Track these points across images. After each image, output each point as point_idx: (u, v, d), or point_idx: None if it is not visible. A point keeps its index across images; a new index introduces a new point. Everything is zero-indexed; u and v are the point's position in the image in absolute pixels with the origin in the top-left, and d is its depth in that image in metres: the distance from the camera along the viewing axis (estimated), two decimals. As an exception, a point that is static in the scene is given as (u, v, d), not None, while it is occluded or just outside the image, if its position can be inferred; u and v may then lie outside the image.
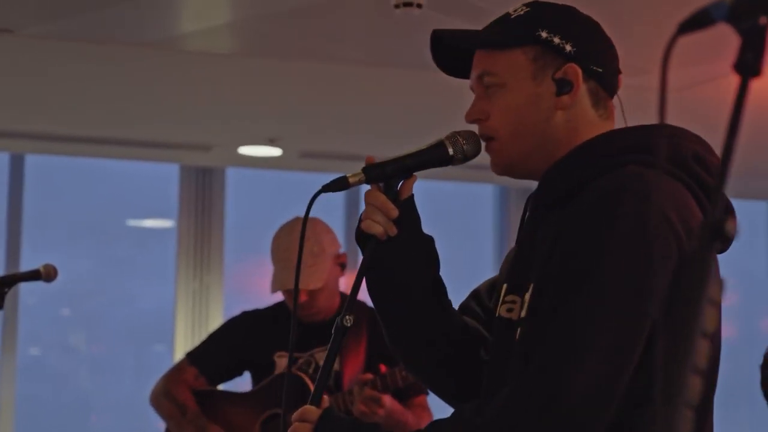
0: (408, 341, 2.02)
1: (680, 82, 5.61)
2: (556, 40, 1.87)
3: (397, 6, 4.33)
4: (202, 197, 7.74)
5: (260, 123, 6.62)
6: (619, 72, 1.92)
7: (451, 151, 1.96)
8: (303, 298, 3.56)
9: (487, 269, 8.50)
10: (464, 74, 1.99)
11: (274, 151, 7.14)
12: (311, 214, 1.95)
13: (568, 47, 1.86)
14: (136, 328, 7.96)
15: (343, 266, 3.68)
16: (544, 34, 1.87)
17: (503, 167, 1.92)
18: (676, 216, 1.70)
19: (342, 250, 3.74)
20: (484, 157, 1.97)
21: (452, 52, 1.97)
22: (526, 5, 1.93)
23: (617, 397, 1.67)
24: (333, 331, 1.89)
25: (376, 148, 6.79)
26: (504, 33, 1.90)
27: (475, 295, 2.10)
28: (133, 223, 8.25)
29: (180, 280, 7.72)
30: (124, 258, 8.04)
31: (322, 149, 7.21)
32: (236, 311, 4.01)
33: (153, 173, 7.90)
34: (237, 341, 3.79)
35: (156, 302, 8.01)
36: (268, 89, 5.90)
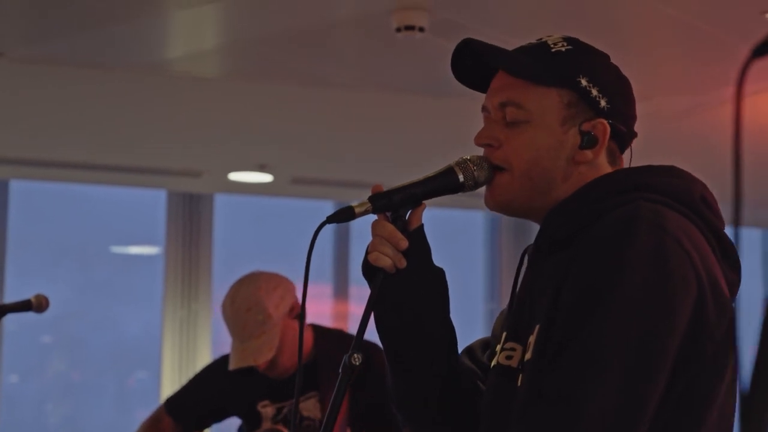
0: (412, 381, 1.93)
1: (680, 109, 5.53)
2: (594, 92, 1.81)
3: (398, 30, 4.25)
4: (190, 224, 7.72)
5: (251, 148, 6.56)
6: (636, 135, 1.89)
7: (461, 177, 1.88)
8: (262, 367, 3.46)
9: (478, 298, 8.38)
10: (473, 83, 1.93)
11: (265, 177, 7.08)
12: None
13: (603, 102, 1.81)
14: (120, 356, 7.93)
15: (299, 316, 3.51)
16: (584, 82, 1.81)
17: (502, 203, 1.86)
18: (691, 247, 1.65)
19: (299, 292, 3.56)
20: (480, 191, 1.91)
21: (473, 62, 1.90)
22: (567, 41, 1.86)
23: (640, 430, 1.60)
24: (341, 371, 1.79)
25: (370, 175, 6.70)
26: (545, 68, 1.82)
27: (468, 351, 2.04)
28: (119, 249, 8.22)
29: (167, 308, 7.70)
30: (109, 284, 8.01)
31: (314, 175, 7.13)
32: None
33: (140, 199, 7.85)
34: (215, 390, 3.66)
35: (142, 330, 7.99)
36: (259, 114, 5.84)
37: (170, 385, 7.50)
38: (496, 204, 1.86)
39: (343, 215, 1.82)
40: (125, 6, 4.29)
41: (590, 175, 1.82)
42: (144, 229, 8.05)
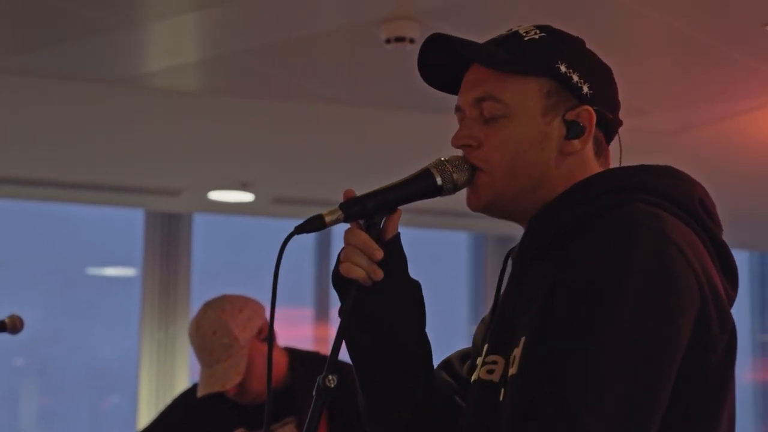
0: (385, 398, 1.84)
1: (675, 124, 5.43)
2: (575, 77, 1.72)
3: (388, 41, 4.18)
4: (167, 244, 7.70)
5: (232, 166, 6.49)
6: (621, 123, 1.79)
7: (439, 180, 1.76)
8: (231, 393, 3.37)
9: (461, 319, 8.29)
10: (444, 86, 1.83)
11: (246, 197, 7.02)
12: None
13: (585, 88, 1.72)
14: (96, 380, 7.90)
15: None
16: (563, 69, 1.72)
17: (485, 204, 1.75)
18: (692, 255, 1.57)
19: (279, 305, 3.46)
20: (459, 204, 1.79)
21: (442, 61, 1.79)
22: (539, 28, 1.77)
23: None
24: (315, 393, 1.69)
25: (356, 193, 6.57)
26: (520, 57, 1.73)
27: (445, 364, 1.93)
28: (95, 270, 8.19)
29: (144, 330, 7.68)
30: (84, 306, 7.96)
31: (297, 195, 7.06)
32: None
33: (117, 219, 7.82)
34: (187, 421, 3.55)
35: (118, 353, 7.97)
36: (241, 130, 5.78)
37: (147, 409, 7.46)
38: (479, 204, 1.76)
39: (313, 225, 1.70)
40: (104, 17, 4.23)
41: (578, 168, 1.73)
42: (121, 249, 8.02)
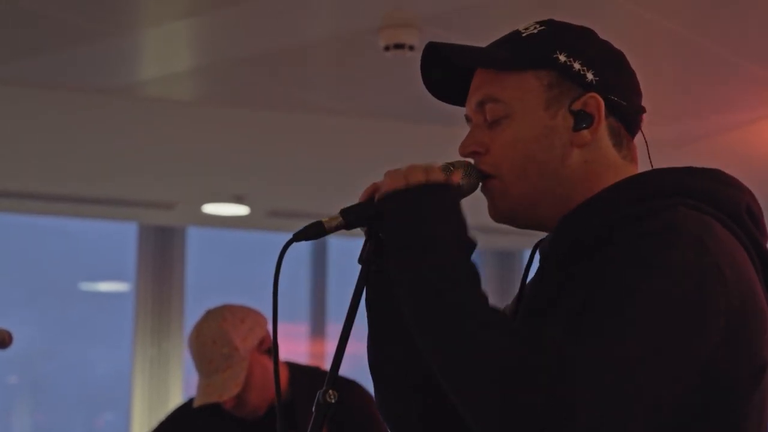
0: (399, 389, 1.77)
1: (678, 136, 5.39)
2: (576, 65, 1.65)
3: (387, 48, 4.12)
4: (161, 258, 7.70)
5: (226, 178, 6.46)
6: (643, 110, 1.71)
7: None
8: (228, 404, 3.33)
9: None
10: (457, 99, 1.76)
11: (241, 210, 6.97)
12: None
13: (589, 75, 1.65)
14: (89, 397, 7.91)
15: (270, 351, 3.39)
16: (562, 58, 1.65)
17: (506, 213, 1.68)
18: (730, 273, 1.49)
19: (269, 326, 3.41)
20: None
21: (446, 71, 1.73)
22: (540, 23, 1.72)
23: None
24: (314, 409, 1.64)
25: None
26: (515, 52, 1.67)
27: None
28: (87, 286, 8.20)
29: (137, 347, 7.66)
30: (77, 323, 7.97)
31: (293, 208, 7.00)
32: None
33: (109, 233, 7.82)
34: None
35: (111, 369, 7.98)
36: (236, 141, 5.75)
37: (140, 426, 7.46)
38: (498, 213, 1.69)
39: (312, 232, 1.62)
40: (93, 24, 4.20)
41: (596, 161, 1.65)
42: (113, 264, 8.04)
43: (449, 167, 1.67)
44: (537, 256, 1.74)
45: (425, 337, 1.55)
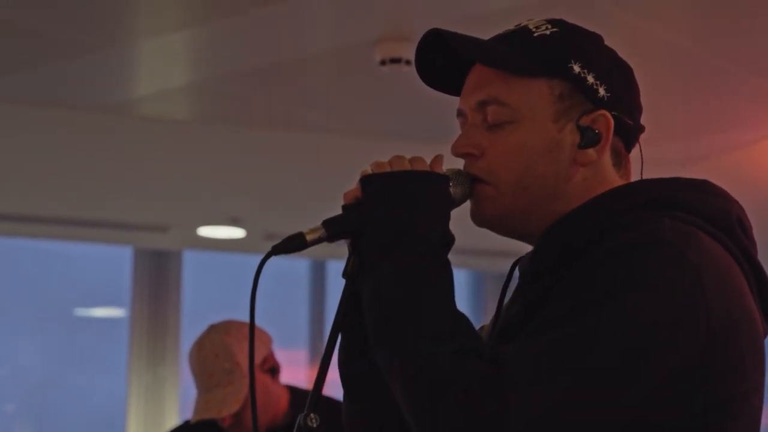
0: (371, 407, 1.69)
1: (685, 155, 5.34)
2: (590, 79, 1.60)
3: (383, 62, 4.10)
4: (157, 283, 7.69)
5: (222, 200, 6.41)
6: (644, 129, 1.69)
7: None
8: (226, 422, 3.32)
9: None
10: (449, 85, 1.70)
11: (237, 232, 6.94)
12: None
13: (601, 91, 1.60)
14: (84, 424, 7.83)
15: (273, 370, 3.41)
16: (576, 69, 1.59)
17: (492, 219, 1.62)
18: (713, 287, 1.44)
19: (273, 346, 3.44)
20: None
21: (445, 58, 1.66)
22: (551, 23, 1.65)
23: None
24: None
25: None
26: (529, 55, 1.60)
27: None
28: (81, 312, 8.14)
29: (132, 373, 7.63)
30: (70, 348, 7.92)
31: (290, 230, 6.80)
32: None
33: (104, 257, 7.79)
34: None
35: (106, 396, 7.93)
36: (231, 161, 5.71)
37: None
38: (485, 219, 1.62)
39: (292, 244, 1.58)
40: (84, 38, 4.15)
41: (596, 180, 1.60)
42: (109, 289, 8.01)
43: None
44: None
45: (373, 339, 1.50)
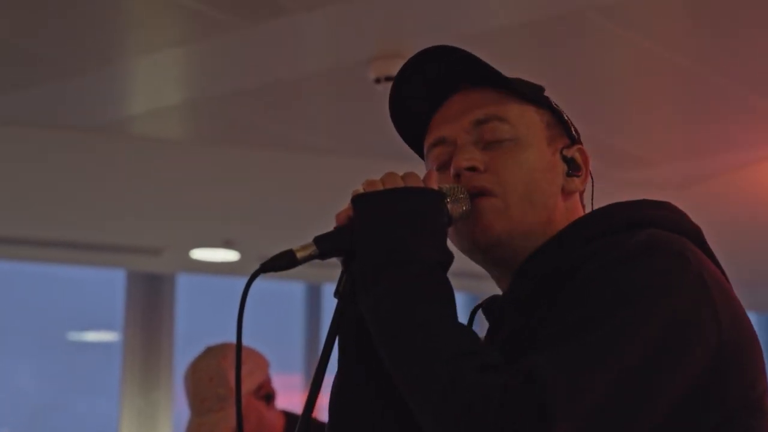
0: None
1: (683, 176, 5.30)
2: (565, 116, 1.64)
3: (377, 81, 4.11)
4: (149, 307, 7.69)
5: (215, 222, 6.41)
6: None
7: None
8: None
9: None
10: (412, 134, 1.70)
11: (231, 255, 6.95)
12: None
13: (573, 130, 1.65)
14: None
15: (268, 397, 3.36)
16: (554, 104, 1.64)
17: (502, 234, 1.57)
18: (713, 285, 1.46)
19: (271, 371, 3.39)
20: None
21: (417, 93, 1.64)
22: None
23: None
24: None
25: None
26: (517, 84, 1.62)
27: None
28: (74, 336, 8.15)
29: (125, 398, 7.62)
30: (62, 373, 7.93)
31: (290, 251, 6.90)
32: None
33: (96, 280, 7.80)
34: None
35: (98, 421, 7.94)
36: (225, 182, 5.70)
37: None
38: (493, 235, 1.57)
39: (281, 262, 1.52)
40: (76, 58, 4.14)
41: (575, 211, 1.62)
42: (102, 313, 8.02)
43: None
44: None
45: (390, 362, 1.45)
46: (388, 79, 4.04)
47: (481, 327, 1.66)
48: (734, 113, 4.55)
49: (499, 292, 1.64)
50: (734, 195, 5.42)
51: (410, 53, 4.12)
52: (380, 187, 1.52)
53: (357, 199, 1.52)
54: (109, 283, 7.68)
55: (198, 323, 7.85)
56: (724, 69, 4.15)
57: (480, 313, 1.67)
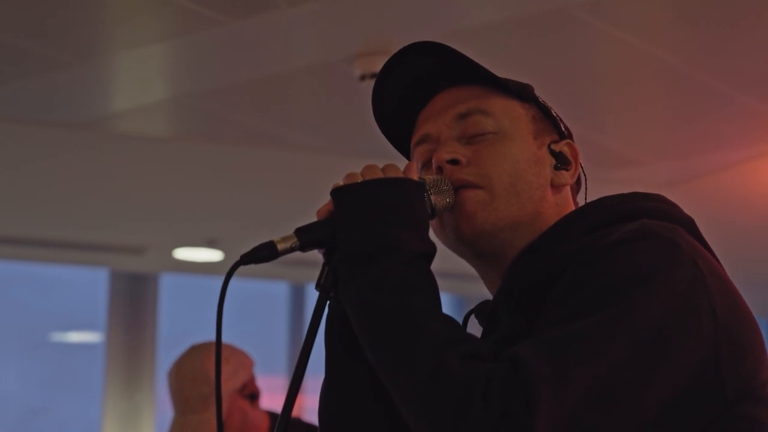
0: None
1: (673, 176, 5.29)
2: (553, 112, 1.65)
3: (362, 78, 4.09)
4: (133, 307, 7.69)
5: (199, 221, 6.39)
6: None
7: None
8: None
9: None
10: (397, 134, 1.70)
11: (214, 255, 6.94)
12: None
13: (562, 126, 1.65)
14: None
15: (252, 396, 3.36)
16: (541, 100, 1.64)
17: (486, 226, 1.56)
18: (708, 272, 1.44)
19: (254, 369, 3.40)
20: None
21: (399, 88, 1.65)
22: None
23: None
24: None
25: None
26: (502, 79, 1.62)
27: None
28: (56, 336, 8.12)
29: (108, 399, 7.61)
30: (44, 373, 7.90)
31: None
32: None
33: (79, 280, 7.78)
34: None
35: (80, 423, 7.92)
36: (208, 180, 5.69)
37: None
38: (478, 227, 1.55)
39: (262, 253, 1.51)
40: (58, 53, 4.10)
41: (565, 206, 1.62)
42: (84, 313, 7.99)
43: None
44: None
45: (372, 353, 1.43)
46: (373, 76, 4.01)
47: (476, 332, 1.64)
48: (722, 112, 4.54)
49: (488, 295, 1.62)
50: (722, 194, 5.40)
51: (395, 50, 4.15)
52: (360, 180, 1.50)
53: (336, 192, 1.50)
54: (91, 283, 7.67)
55: (181, 323, 7.83)
56: (712, 68, 4.13)
57: (473, 319, 1.65)
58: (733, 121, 4.63)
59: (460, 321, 1.60)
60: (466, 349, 1.35)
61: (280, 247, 1.49)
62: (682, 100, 4.50)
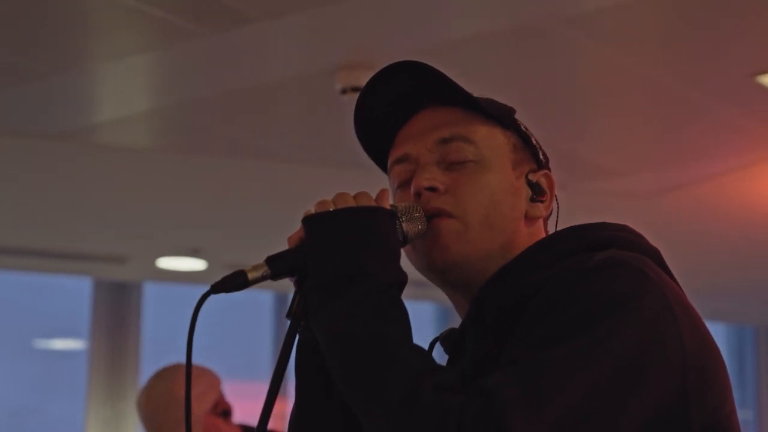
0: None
1: (650, 187, 5.25)
2: (533, 140, 1.62)
3: (344, 91, 4.08)
4: (116, 315, 7.66)
5: (182, 230, 6.36)
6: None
7: None
8: None
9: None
10: (376, 151, 1.69)
11: (198, 264, 6.91)
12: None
13: (540, 154, 1.63)
14: None
15: (225, 413, 3.36)
16: (522, 128, 1.62)
17: (457, 257, 1.55)
18: (675, 302, 1.44)
19: (223, 387, 3.38)
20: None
21: (389, 107, 1.63)
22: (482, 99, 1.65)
23: None
24: None
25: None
26: (484, 104, 1.59)
27: None
28: (39, 343, 8.11)
29: (90, 407, 7.60)
30: (27, 380, 7.88)
31: (253, 262, 6.78)
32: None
33: (63, 288, 7.75)
34: None
35: (64, 430, 7.90)
36: (192, 190, 5.65)
37: None
38: (449, 257, 1.54)
39: (233, 283, 1.50)
40: (39, 62, 4.08)
41: (536, 235, 1.60)
42: (67, 321, 7.96)
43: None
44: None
45: (343, 382, 1.42)
46: (354, 89, 4.01)
47: (441, 359, 1.64)
48: (701, 124, 4.53)
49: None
50: (701, 205, 5.38)
51: (377, 64, 4.14)
52: (331, 208, 1.50)
53: (308, 220, 1.49)
54: (75, 291, 7.63)
55: (165, 332, 7.78)
56: (691, 80, 4.13)
57: (439, 346, 1.64)
58: (712, 133, 4.62)
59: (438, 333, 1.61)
60: (438, 380, 1.35)
61: (251, 276, 1.48)
62: (661, 112, 4.49)
